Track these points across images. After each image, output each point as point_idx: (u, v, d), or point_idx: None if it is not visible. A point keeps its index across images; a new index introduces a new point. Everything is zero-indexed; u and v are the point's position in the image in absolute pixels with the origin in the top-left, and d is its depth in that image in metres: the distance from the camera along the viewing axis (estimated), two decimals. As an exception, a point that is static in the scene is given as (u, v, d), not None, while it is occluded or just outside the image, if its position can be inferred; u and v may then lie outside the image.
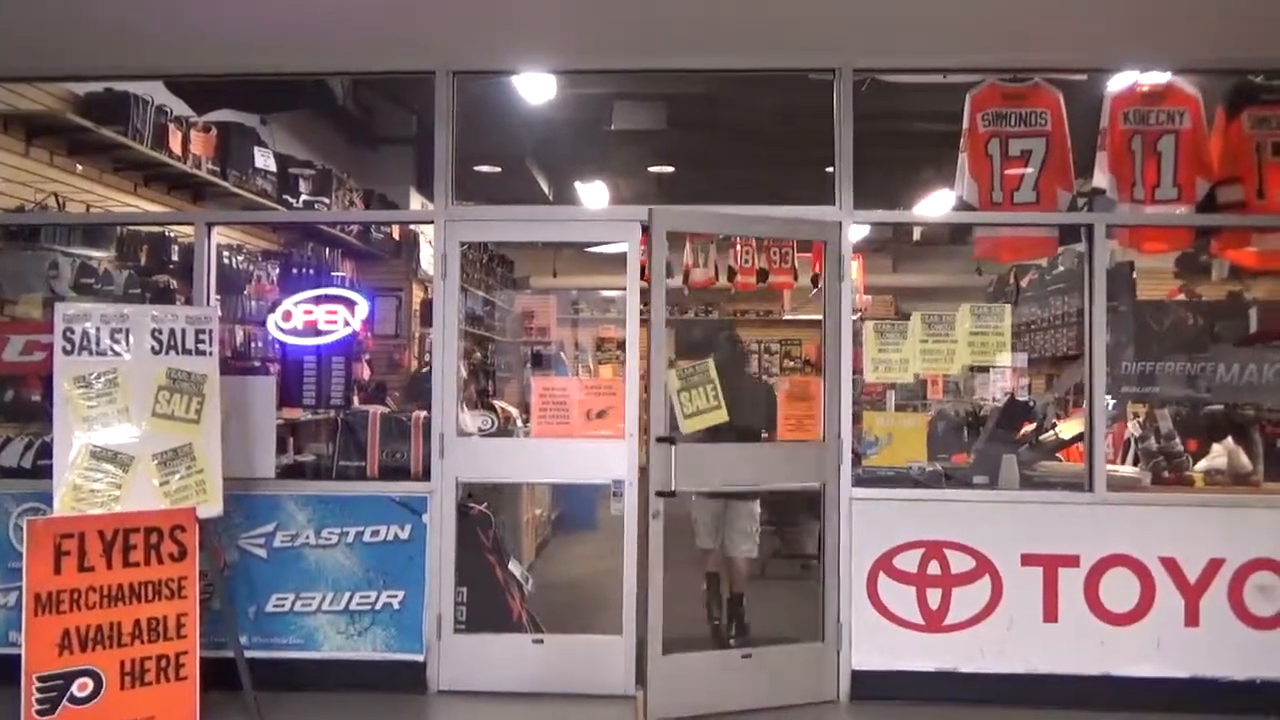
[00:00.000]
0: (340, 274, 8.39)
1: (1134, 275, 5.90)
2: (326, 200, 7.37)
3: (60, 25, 4.56)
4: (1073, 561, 4.64)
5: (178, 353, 4.33)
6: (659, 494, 4.47)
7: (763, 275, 9.63)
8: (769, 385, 6.38)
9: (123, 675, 3.99)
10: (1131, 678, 4.60)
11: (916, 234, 11.97)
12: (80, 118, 5.36)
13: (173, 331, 4.33)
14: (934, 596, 4.68)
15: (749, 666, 4.71)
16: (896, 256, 13.52)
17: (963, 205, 4.97)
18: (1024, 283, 9.09)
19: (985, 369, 7.03)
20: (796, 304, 12.64)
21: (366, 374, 7.85)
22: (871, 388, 5.92)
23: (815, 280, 9.88)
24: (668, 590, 4.47)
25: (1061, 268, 7.97)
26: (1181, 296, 6.89)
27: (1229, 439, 5.17)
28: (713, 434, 4.77)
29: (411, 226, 9.13)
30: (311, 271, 7.64)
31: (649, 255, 4.71)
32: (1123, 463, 5.32)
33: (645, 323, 4.73)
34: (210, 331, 4.42)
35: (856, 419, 4.86)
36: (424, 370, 7.26)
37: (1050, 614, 4.64)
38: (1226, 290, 6.78)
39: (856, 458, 4.85)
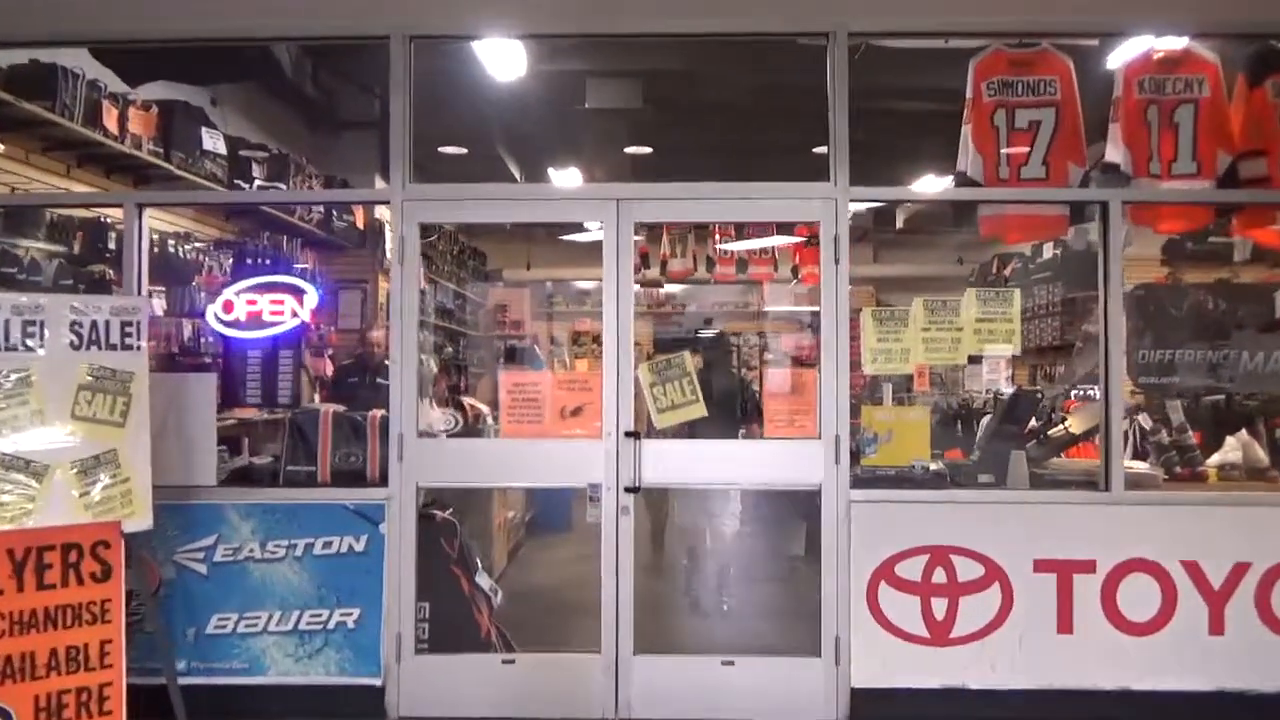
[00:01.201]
0: (301, 265, 7.96)
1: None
2: (283, 186, 6.90)
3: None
4: (1088, 567, 4.31)
5: (100, 347, 3.88)
6: (627, 489, 4.45)
7: (742, 265, 9.31)
8: (747, 380, 6.15)
9: (37, 711, 3.55)
10: (1152, 691, 4.29)
11: (899, 222, 11.63)
12: (-1, 91, 4.88)
13: (95, 324, 3.87)
14: (940, 607, 4.33)
15: (732, 675, 4.45)
16: (877, 246, 13.19)
17: (965, 181, 4.60)
18: (1007, 271, 8.84)
19: (976, 360, 6.73)
20: (774, 297, 12.32)
21: (329, 370, 7.41)
22: (856, 379, 5.56)
23: (795, 271, 9.62)
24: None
25: (1047, 255, 7.69)
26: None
27: (1243, 431, 4.91)
28: (693, 430, 4.57)
29: (377, 213, 8.70)
30: (268, 262, 7.20)
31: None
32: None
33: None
34: (138, 324, 3.97)
35: (854, 413, 4.50)
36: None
37: (1065, 624, 4.31)
38: (1215, 278, 6.50)
39: (854, 456, 4.48)
